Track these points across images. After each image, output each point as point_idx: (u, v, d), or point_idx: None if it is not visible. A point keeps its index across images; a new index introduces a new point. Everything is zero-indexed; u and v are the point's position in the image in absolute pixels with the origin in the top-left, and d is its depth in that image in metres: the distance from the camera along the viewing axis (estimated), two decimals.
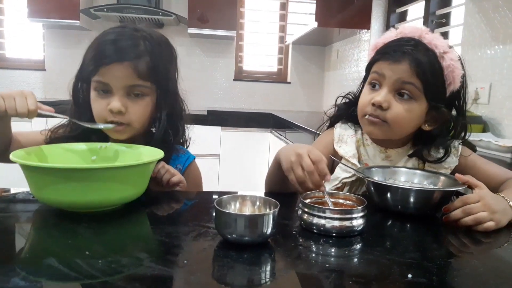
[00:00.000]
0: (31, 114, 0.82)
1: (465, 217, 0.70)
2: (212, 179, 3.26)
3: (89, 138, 0.92)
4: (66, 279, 0.47)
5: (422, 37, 0.92)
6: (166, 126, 0.96)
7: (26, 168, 0.67)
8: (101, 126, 0.91)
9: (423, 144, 0.96)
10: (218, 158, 3.30)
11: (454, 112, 0.97)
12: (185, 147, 1.08)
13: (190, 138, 1.09)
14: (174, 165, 0.97)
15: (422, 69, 0.88)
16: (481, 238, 0.69)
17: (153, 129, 0.98)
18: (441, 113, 0.92)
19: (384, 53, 0.93)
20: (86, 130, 0.93)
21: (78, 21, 3.31)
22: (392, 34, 0.97)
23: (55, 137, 0.95)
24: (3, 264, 0.51)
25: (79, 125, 0.93)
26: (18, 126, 0.93)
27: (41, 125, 1.02)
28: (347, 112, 1.05)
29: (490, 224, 0.69)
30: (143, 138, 0.96)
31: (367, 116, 0.94)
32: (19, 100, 0.80)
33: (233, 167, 3.33)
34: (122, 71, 0.88)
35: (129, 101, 0.91)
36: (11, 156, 0.69)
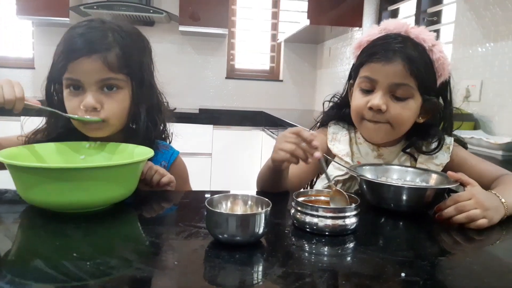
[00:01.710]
0: (18, 103, 0.78)
1: (458, 214, 0.70)
2: (204, 178, 3.24)
3: (67, 140, 0.89)
4: (53, 282, 0.46)
5: (408, 32, 0.92)
6: (145, 120, 0.93)
7: (12, 168, 0.66)
8: (87, 117, 0.85)
9: (416, 136, 0.96)
10: (210, 156, 3.28)
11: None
12: (168, 142, 1.06)
13: (172, 133, 1.06)
14: (158, 162, 0.95)
15: (415, 67, 0.87)
16: (474, 236, 0.68)
17: (133, 125, 0.95)
18: (433, 104, 0.93)
19: (373, 53, 0.91)
20: (63, 133, 0.90)
21: (68, 19, 3.27)
22: (375, 31, 0.95)
23: (32, 142, 0.91)
24: None
25: (56, 128, 0.90)
26: (6, 129, 0.90)
27: (17, 129, 0.98)
28: (338, 114, 1.05)
29: (482, 222, 0.69)
30: (123, 135, 0.93)
31: (368, 123, 0.93)
32: (6, 87, 0.77)
33: (225, 166, 3.32)
34: (91, 65, 0.84)
35: (103, 96, 0.87)
36: None
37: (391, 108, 0.90)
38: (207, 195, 0.89)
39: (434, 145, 0.95)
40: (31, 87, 3.62)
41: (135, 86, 0.90)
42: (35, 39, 3.62)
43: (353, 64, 1.01)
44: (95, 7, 3.24)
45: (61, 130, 0.90)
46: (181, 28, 3.43)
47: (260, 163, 3.33)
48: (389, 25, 0.94)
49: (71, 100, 0.87)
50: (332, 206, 0.72)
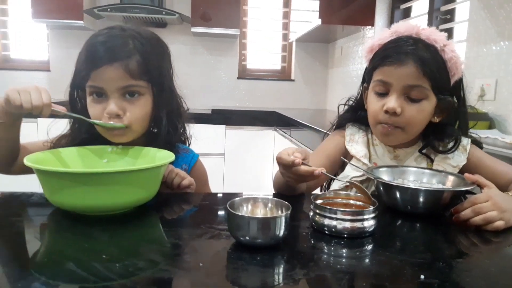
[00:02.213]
0: (45, 109, 0.80)
1: (475, 216, 0.70)
2: (217, 178, 3.27)
3: (91, 145, 0.91)
4: (86, 283, 0.48)
5: (419, 33, 0.93)
6: (166, 125, 0.95)
7: (40, 173, 0.68)
8: (111, 123, 0.88)
9: (433, 136, 0.97)
10: (223, 156, 3.31)
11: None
12: (188, 145, 1.08)
13: (191, 136, 1.08)
14: (179, 166, 0.97)
15: (428, 68, 0.88)
16: (491, 238, 0.69)
17: (154, 130, 0.97)
18: (447, 103, 0.94)
19: (385, 56, 0.92)
20: (87, 138, 0.92)
21: (82, 21, 3.32)
22: (386, 35, 0.96)
23: (57, 147, 0.93)
24: (22, 269, 0.52)
25: (80, 134, 0.93)
26: (24, 131, 0.92)
27: (33, 131, 1.00)
28: (353, 117, 1.06)
29: (500, 223, 0.69)
30: (144, 139, 0.96)
31: (380, 126, 0.94)
32: (34, 94, 0.79)
33: (238, 166, 3.34)
34: (113, 73, 0.86)
35: (125, 102, 0.89)
36: (25, 161, 0.70)
37: (406, 111, 0.90)
38: (223, 197, 0.91)
39: (450, 145, 0.96)
40: (47, 88, 3.68)
41: (156, 91, 0.92)
42: (50, 41, 3.68)
43: (366, 68, 1.02)
44: (108, 9, 3.29)
45: (85, 135, 0.92)
46: (193, 29, 3.46)
47: (272, 163, 3.35)
48: (400, 28, 0.95)
49: (94, 107, 0.89)
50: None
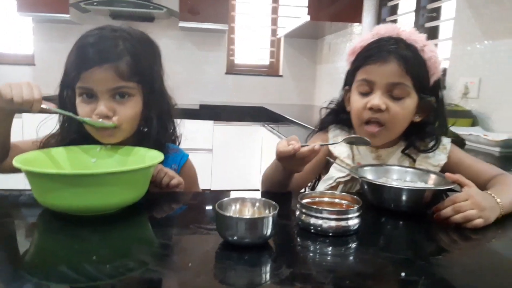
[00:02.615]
0: (35, 104, 0.81)
1: (455, 215, 0.73)
2: (205, 174, 3.28)
3: (81, 145, 0.91)
4: (77, 284, 0.49)
5: (399, 34, 0.96)
6: (157, 125, 0.96)
7: (29, 174, 0.69)
8: (100, 121, 0.87)
9: (415, 135, 0.99)
10: (211, 152, 3.31)
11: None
12: (177, 144, 1.09)
13: (181, 134, 1.09)
14: (169, 165, 0.98)
15: (410, 66, 0.91)
16: (470, 235, 0.72)
17: (144, 129, 0.97)
18: (428, 102, 0.96)
19: (368, 56, 0.95)
20: (77, 138, 0.92)
21: (68, 15, 3.28)
22: (368, 37, 0.99)
23: (46, 147, 0.93)
24: (13, 270, 0.53)
25: (69, 133, 0.93)
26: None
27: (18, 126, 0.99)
28: (335, 120, 1.08)
29: (479, 221, 0.72)
30: (134, 139, 0.96)
31: (366, 127, 0.96)
32: (26, 89, 0.80)
33: (226, 161, 3.35)
34: (103, 74, 0.86)
35: (115, 103, 0.89)
36: (14, 162, 0.70)
37: (390, 108, 0.93)
38: (209, 194, 0.93)
39: (431, 144, 0.99)
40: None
41: (146, 92, 0.93)
42: (35, 35, 3.63)
43: (348, 71, 1.04)
44: (95, 3, 3.25)
45: (75, 135, 0.92)
46: (181, 24, 3.44)
47: (260, 159, 3.37)
48: (381, 30, 0.98)
49: (83, 108, 0.89)
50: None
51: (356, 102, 0.97)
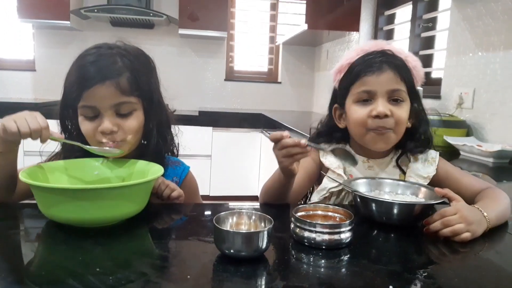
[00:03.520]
0: (44, 132, 0.81)
1: (444, 228, 0.76)
2: (203, 180, 3.30)
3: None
4: None
5: (383, 47, 1.01)
6: (156, 136, 0.98)
7: (35, 188, 0.72)
8: (106, 148, 0.90)
9: (409, 139, 1.04)
10: (210, 158, 3.34)
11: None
12: (176, 154, 1.11)
13: (178, 144, 1.11)
14: (170, 178, 1.01)
15: (403, 73, 0.98)
16: (458, 248, 0.74)
17: (144, 142, 1.00)
18: (415, 108, 1.03)
19: (363, 69, 0.98)
20: (79, 156, 0.93)
21: (68, 22, 3.31)
22: (353, 55, 1.03)
23: None
24: (19, 282, 0.55)
25: (73, 152, 0.94)
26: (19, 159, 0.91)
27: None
28: (329, 140, 1.10)
29: (466, 235, 0.75)
30: (134, 151, 0.98)
31: (371, 132, 0.98)
32: (30, 118, 0.79)
33: (225, 167, 3.38)
34: (105, 91, 0.88)
35: (118, 119, 0.91)
36: (20, 176, 0.73)
37: (393, 112, 0.97)
38: (207, 205, 0.95)
39: (423, 148, 1.05)
40: (32, 89, 3.66)
41: (146, 105, 0.96)
42: (35, 41, 3.66)
43: (336, 89, 1.07)
44: (95, 10, 3.29)
45: (78, 154, 0.94)
46: (181, 31, 3.48)
47: (259, 165, 3.39)
48: (365, 46, 1.03)
49: (87, 125, 0.91)
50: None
51: (358, 112, 1.00)
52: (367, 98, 0.98)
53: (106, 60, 0.90)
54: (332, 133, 1.09)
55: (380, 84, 0.96)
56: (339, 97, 1.06)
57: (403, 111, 0.98)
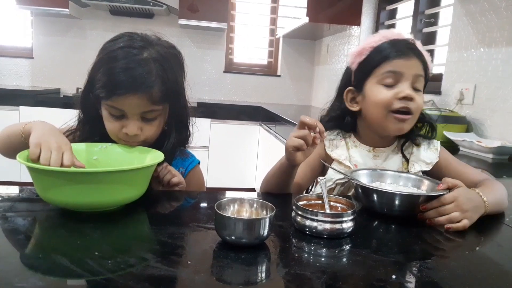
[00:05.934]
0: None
1: (439, 216, 0.77)
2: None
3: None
4: (81, 279, 0.51)
5: (402, 37, 1.01)
6: (175, 133, 0.99)
7: (32, 170, 0.70)
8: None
9: (415, 125, 1.05)
10: (208, 150, 3.33)
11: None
12: (189, 143, 1.10)
13: (193, 133, 1.10)
14: (177, 168, 1.00)
15: (425, 62, 0.99)
16: (459, 239, 0.74)
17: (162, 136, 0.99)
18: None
19: (392, 51, 0.98)
20: (98, 140, 0.93)
21: (67, 9, 3.28)
22: (376, 39, 1.02)
23: None
24: (18, 265, 0.55)
25: (92, 134, 0.95)
26: (6, 119, 0.90)
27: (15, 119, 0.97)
28: (340, 124, 1.09)
29: (460, 225, 0.76)
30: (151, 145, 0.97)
31: (394, 115, 0.98)
32: (55, 154, 0.74)
33: (222, 159, 3.37)
34: (136, 101, 0.87)
35: (143, 123, 0.92)
36: (18, 158, 0.72)
37: (415, 98, 0.97)
38: (207, 193, 0.95)
39: (427, 137, 1.07)
40: (30, 76, 3.63)
41: (171, 107, 0.96)
42: (34, 28, 3.63)
43: (355, 70, 1.04)
44: None
45: (96, 138, 0.94)
46: (181, 21, 3.45)
47: (256, 157, 3.39)
48: (388, 34, 1.02)
49: (112, 123, 0.91)
50: None
51: (382, 93, 0.98)
52: (391, 83, 0.98)
53: (140, 69, 0.86)
54: (345, 117, 1.08)
55: (408, 68, 0.97)
56: (356, 79, 1.04)
57: (421, 99, 1.00)
